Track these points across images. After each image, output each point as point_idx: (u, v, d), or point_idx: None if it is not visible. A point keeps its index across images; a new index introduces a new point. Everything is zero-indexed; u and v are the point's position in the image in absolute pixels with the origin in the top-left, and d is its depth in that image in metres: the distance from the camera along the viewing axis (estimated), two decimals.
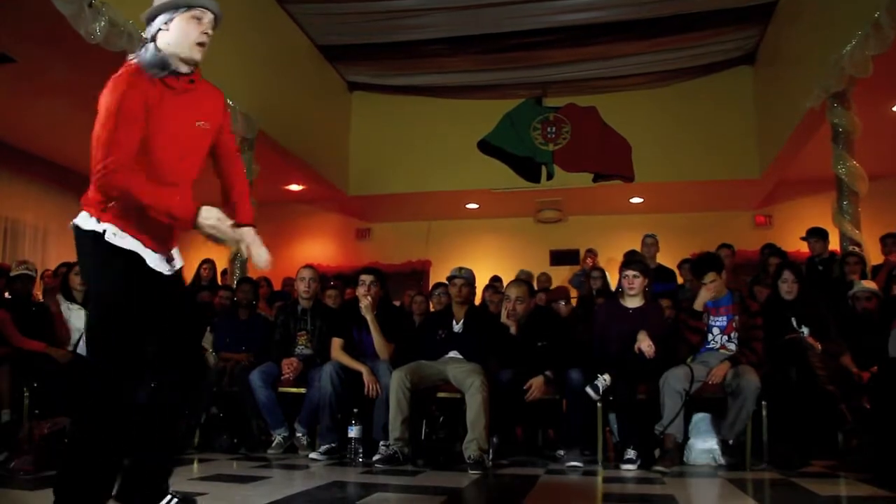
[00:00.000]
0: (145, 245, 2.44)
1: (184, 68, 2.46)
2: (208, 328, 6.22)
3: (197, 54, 2.46)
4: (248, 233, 2.53)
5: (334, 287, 6.42)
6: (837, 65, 6.20)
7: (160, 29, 2.42)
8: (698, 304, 4.80)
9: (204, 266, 7.98)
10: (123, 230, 2.40)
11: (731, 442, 4.57)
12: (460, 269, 5.25)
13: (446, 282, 5.54)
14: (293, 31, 8.99)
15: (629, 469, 4.40)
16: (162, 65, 2.40)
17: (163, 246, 2.52)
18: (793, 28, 7.99)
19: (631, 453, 4.49)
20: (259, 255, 2.54)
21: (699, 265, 5.06)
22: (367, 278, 5.17)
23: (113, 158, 2.26)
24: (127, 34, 5.52)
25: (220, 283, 8.06)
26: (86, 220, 2.44)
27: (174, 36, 2.41)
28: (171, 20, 2.41)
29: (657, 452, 4.58)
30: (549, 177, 10.27)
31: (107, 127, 2.28)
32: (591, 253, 9.41)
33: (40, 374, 4.82)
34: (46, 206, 9.81)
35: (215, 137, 2.66)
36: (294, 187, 10.78)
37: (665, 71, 9.77)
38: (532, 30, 8.96)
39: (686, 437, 4.72)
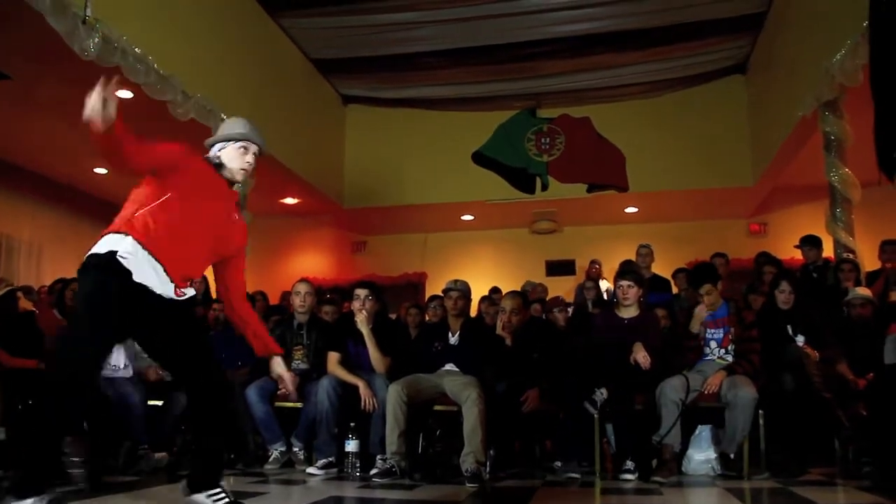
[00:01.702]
0: (163, 262, 2.70)
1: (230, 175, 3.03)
2: None
3: (240, 177, 3.05)
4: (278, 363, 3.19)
5: (331, 302, 6.40)
6: (828, 74, 6.24)
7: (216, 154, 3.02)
8: (694, 327, 4.80)
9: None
10: (146, 245, 2.67)
11: (731, 455, 4.56)
12: (455, 281, 5.25)
13: (442, 294, 5.54)
14: (287, 45, 9.03)
15: (627, 480, 4.39)
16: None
17: (184, 268, 2.80)
18: (784, 37, 8.05)
19: (629, 464, 4.48)
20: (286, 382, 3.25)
21: (696, 276, 5.07)
22: (361, 292, 5.16)
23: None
24: (121, 50, 5.54)
25: (213, 297, 8.04)
26: (103, 244, 2.69)
27: (225, 161, 3.01)
28: (223, 149, 3.02)
29: (654, 463, 4.57)
30: (544, 188, 10.31)
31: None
32: (595, 263, 9.39)
33: (34, 390, 4.79)
34: (41, 223, 9.79)
35: (235, 251, 3.10)
36: (289, 201, 10.78)
37: (658, 81, 9.82)
38: (525, 41, 9.01)
39: (685, 448, 4.71)
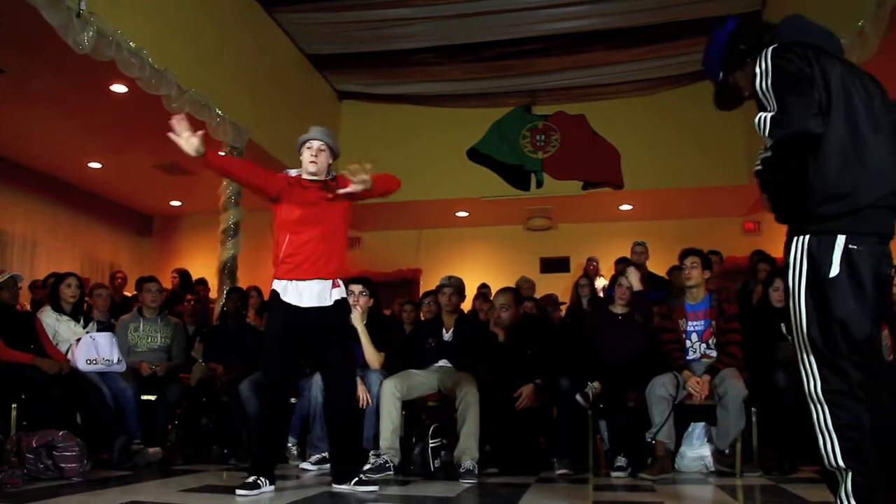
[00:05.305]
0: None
1: (308, 176, 3.98)
2: (198, 338, 6.21)
3: (312, 168, 3.94)
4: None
5: None
6: None
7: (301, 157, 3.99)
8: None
9: (173, 275, 8.21)
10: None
11: (726, 451, 4.56)
12: (449, 277, 5.26)
13: (435, 290, 5.53)
14: (282, 40, 9.00)
15: (620, 476, 4.41)
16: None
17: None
18: None
19: (621, 460, 4.50)
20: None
21: (687, 251, 5.01)
22: (355, 288, 5.14)
23: None
24: (115, 44, 5.52)
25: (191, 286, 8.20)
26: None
27: (302, 161, 3.97)
28: (300, 153, 4.01)
29: (650, 461, 4.57)
30: (539, 185, 10.29)
31: None
32: (593, 260, 9.38)
33: (28, 385, 4.77)
34: (35, 216, 9.76)
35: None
36: None
37: (653, 78, 9.81)
38: (521, 38, 8.99)
39: (678, 445, 4.71)
